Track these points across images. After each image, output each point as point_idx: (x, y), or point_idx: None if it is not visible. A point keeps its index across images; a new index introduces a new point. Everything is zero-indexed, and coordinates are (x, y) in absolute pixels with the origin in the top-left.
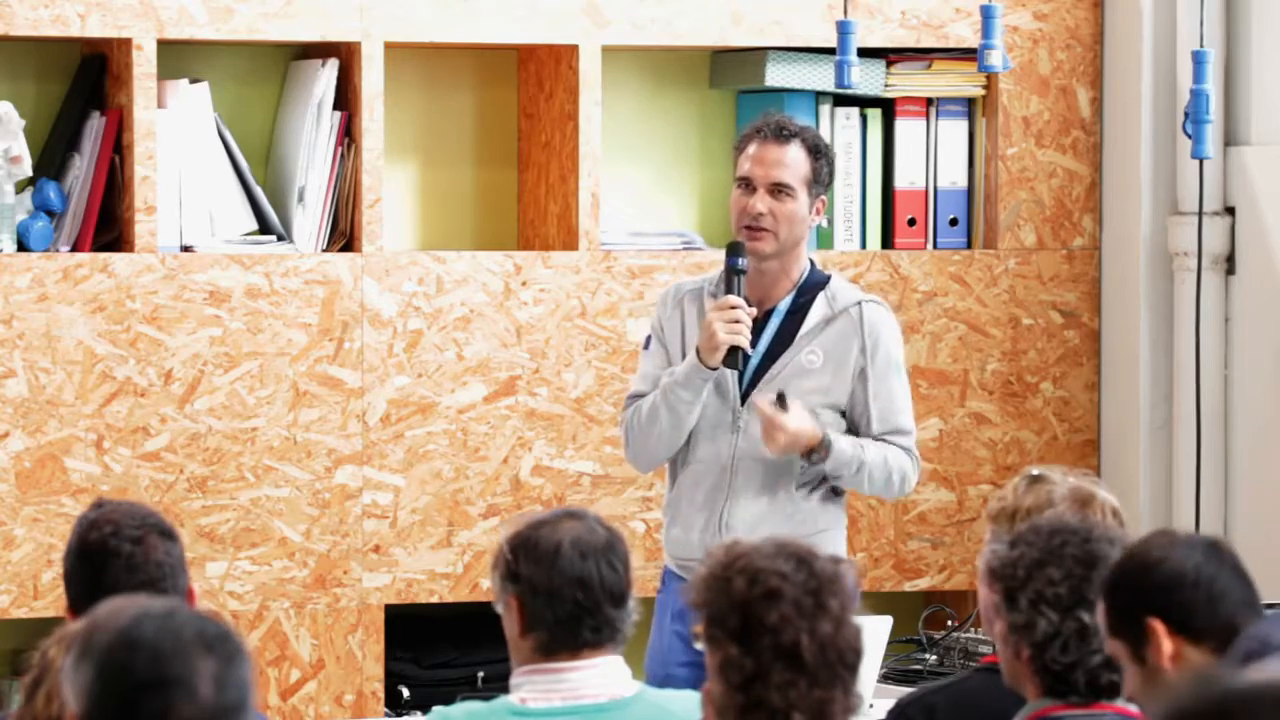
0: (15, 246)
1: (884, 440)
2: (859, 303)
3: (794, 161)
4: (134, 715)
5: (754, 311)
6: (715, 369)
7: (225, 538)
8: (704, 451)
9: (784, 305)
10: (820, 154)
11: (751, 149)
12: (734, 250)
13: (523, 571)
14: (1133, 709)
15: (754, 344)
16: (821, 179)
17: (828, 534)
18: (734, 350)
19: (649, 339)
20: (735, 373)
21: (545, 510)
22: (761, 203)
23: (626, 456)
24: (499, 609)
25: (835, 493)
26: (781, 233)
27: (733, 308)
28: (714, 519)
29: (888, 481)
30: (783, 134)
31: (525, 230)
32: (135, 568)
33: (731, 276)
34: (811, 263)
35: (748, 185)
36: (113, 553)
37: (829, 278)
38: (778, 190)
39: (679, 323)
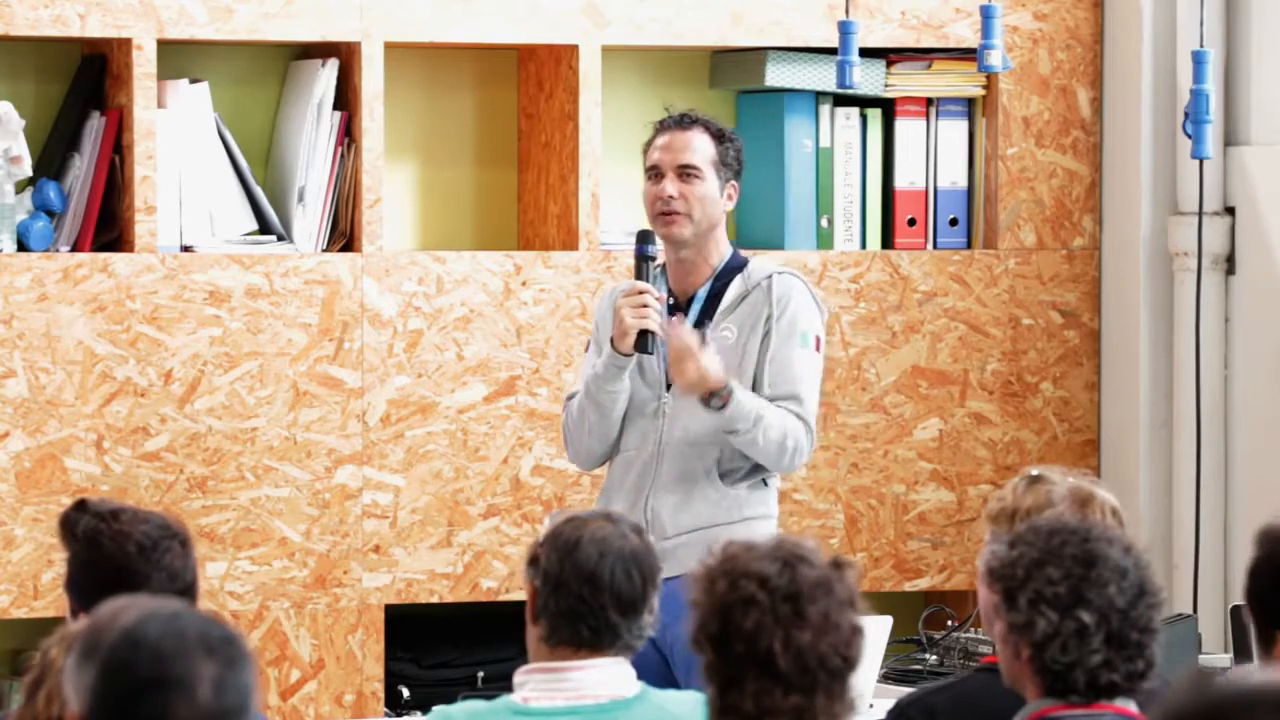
0: (15, 246)
1: (779, 405)
2: (771, 274)
3: (699, 145)
4: (133, 714)
5: (663, 296)
6: (629, 355)
7: (225, 538)
8: (631, 439)
9: (703, 291)
10: (725, 139)
11: (658, 140)
12: (643, 238)
13: (542, 559)
14: (1132, 709)
15: None
16: (729, 163)
17: (755, 523)
18: (644, 335)
19: (589, 341)
20: (660, 361)
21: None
22: (671, 186)
23: (568, 456)
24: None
25: (764, 482)
26: (695, 214)
27: (640, 293)
28: (639, 505)
29: (780, 446)
30: (685, 121)
31: (525, 230)
32: (176, 576)
33: (641, 264)
34: (736, 251)
35: (656, 173)
36: (156, 565)
37: (748, 261)
38: (685, 173)
39: (612, 321)
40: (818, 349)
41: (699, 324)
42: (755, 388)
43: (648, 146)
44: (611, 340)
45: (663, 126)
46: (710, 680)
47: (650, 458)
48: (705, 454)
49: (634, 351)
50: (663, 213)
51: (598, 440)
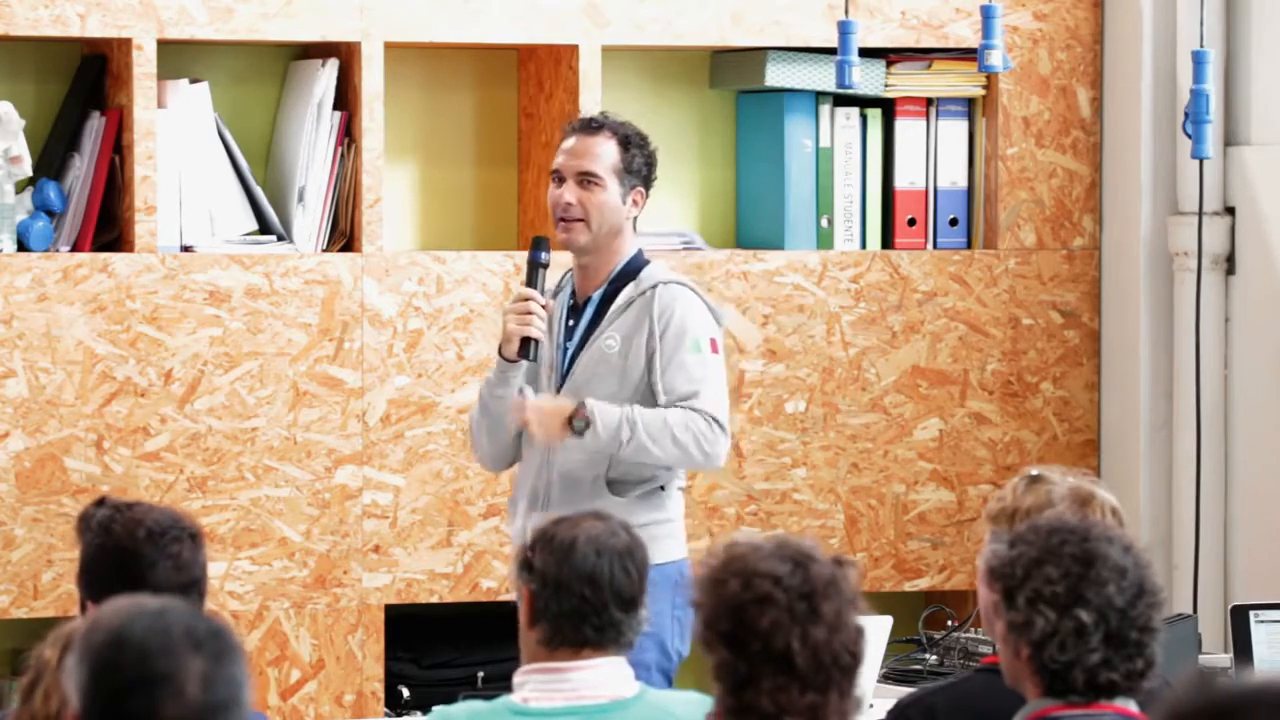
0: (15, 246)
1: (676, 405)
2: (656, 284)
3: (601, 152)
4: (121, 713)
5: (551, 304)
6: (514, 361)
7: (225, 538)
8: (528, 450)
9: (597, 295)
10: (631, 145)
11: (564, 143)
12: (537, 244)
13: (536, 563)
14: (1132, 708)
15: (571, 335)
16: (635, 170)
17: (648, 529)
18: (526, 341)
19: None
20: (551, 367)
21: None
22: (570, 193)
23: (475, 458)
24: (517, 602)
25: (660, 488)
26: (593, 222)
27: (525, 299)
28: (536, 513)
29: (678, 443)
30: (591, 126)
31: (525, 230)
32: (183, 567)
33: (533, 270)
34: (638, 254)
35: (558, 178)
36: (163, 553)
37: (645, 265)
38: (585, 180)
39: None
40: (714, 351)
41: (590, 327)
42: (650, 400)
43: (557, 149)
44: (500, 346)
45: (571, 130)
46: (720, 679)
47: (541, 464)
48: (593, 464)
49: (519, 358)
50: (561, 219)
51: (494, 443)
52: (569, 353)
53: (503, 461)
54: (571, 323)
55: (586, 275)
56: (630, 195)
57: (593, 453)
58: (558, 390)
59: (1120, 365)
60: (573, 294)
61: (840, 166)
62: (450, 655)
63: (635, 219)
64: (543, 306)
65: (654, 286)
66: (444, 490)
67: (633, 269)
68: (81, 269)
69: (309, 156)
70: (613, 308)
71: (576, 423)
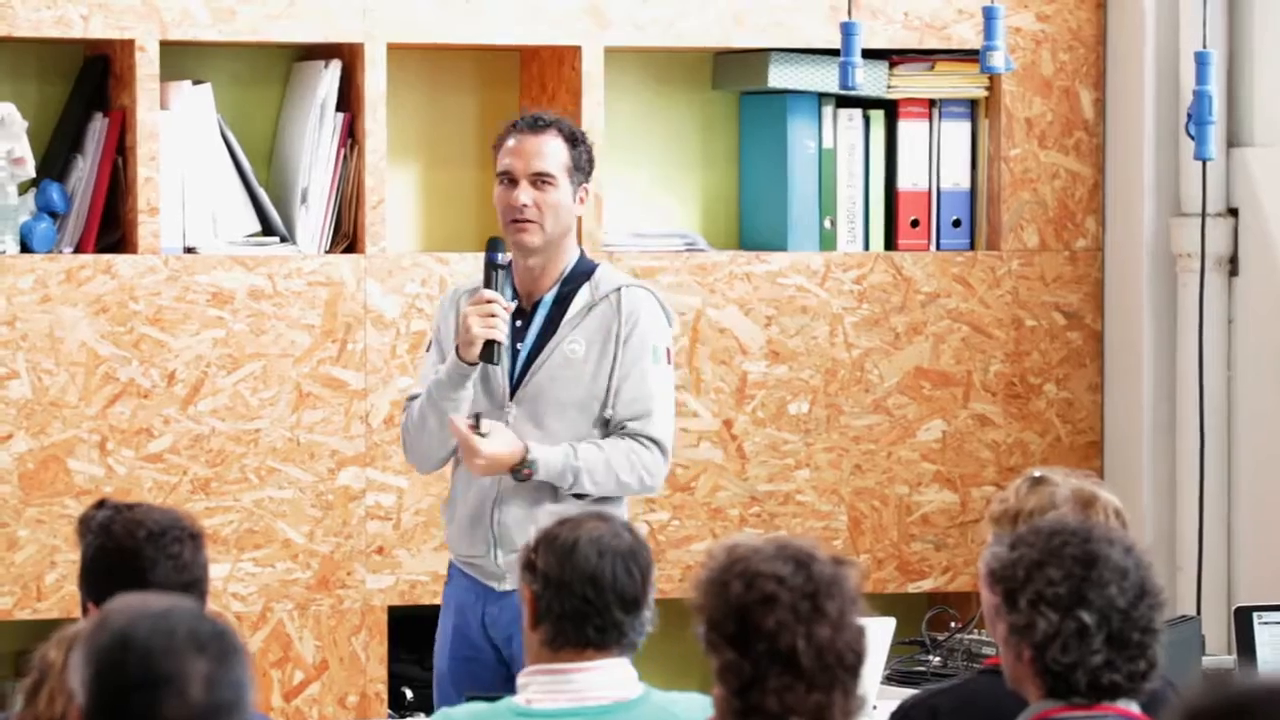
0: (18, 248)
1: (623, 428)
2: (619, 288)
3: (553, 151)
4: (125, 714)
5: (512, 306)
6: (474, 364)
7: (229, 539)
8: None
9: (549, 297)
10: (578, 142)
11: (509, 143)
12: (493, 246)
13: (539, 563)
14: (1135, 710)
15: (521, 337)
16: (582, 167)
17: None
18: (490, 344)
19: (429, 342)
20: (504, 370)
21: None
22: (525, 194)
23: (407, 459)
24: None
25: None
26: (547, 223)
27: (488, 302)
28: (485, 518)
29: (620, 484)
30: (538, 124)
31: None
32: (184, 568)
33: (490, 272)
34: (582, 253)
35: (509, 179)
36: (164, 553)
37: (596, 266)
38: (540, 180)
39: (455, 323)
40: (668, 361)
41: (545, 331)
42: (606, 405)
43: (497, 147)
44: (457, 348)
45: (514, 128)
46: (725, 682)
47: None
48: None
49: (479, 361)
50: (515, 220)
51: (438, 445)
52: (521, 356)
53: (439, 464)
54: (519, 324)
55: (532, 275)
56: (578, 192)
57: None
58: (511, 394)
59: (1123, 367)
60: (515, 295)
61: (843, 168)
62: None
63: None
64: (504, 308)
65: (617, 290)
66: (447, 492)
67: (583, 270)
68: (85, 270)
69: (312, 158)
70: (571, 312)
71: (519, 475)
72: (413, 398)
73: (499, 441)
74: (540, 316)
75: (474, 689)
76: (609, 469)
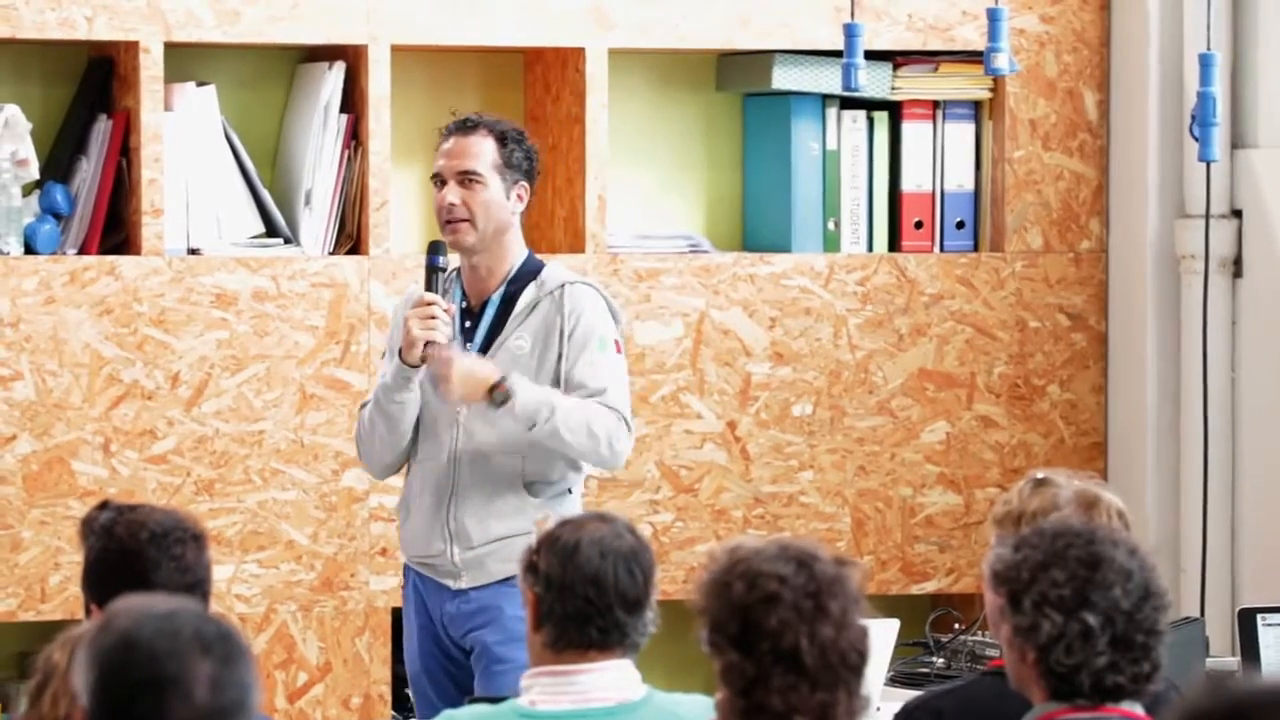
0: (22, 249)
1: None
2: (563, 284)
3: (480, 150)
4: (129, 715)
5: (454, 308)
6: (416, 367)
7: (232, 541)
8: (428, 449)
9: (496, 297)
10: (508, 140)
11: (442, 146)
12: (434, 249)
13: (541, 565)
14: (1139, 712)
15: (471, 337)
16: (515, 164)
17: None
18: (430, 345)
19: (386, 350)
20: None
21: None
22: (453, 194)
23: (362, 465)
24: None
25: (568, 490)
26: (479, 221)
27: (428, 304)
28: (441, 514)
29: (590, 434)
30: (466, 126)
31: (531, 233)
32: (187, 569)
33: (430, 275)
34: (531, 254)
35: (440, 181)
36: (166, 554)
37: (543, 265)
38: (466, 179)
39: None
40: (618, 351)
41: (493, 329)
42: None
43: (436, 153)
44: (400, 351)
45: (447, 132)
46: (729, 683)
47: (446, 467)
48: (506, 463)
49: (421, 363)
50: (447, 221)
51: (388, 450)
52: (472, 355)
53: (394, 468)
54: (468, 324)
55: (479, 276)
56: (514, 191)
57: (502, 440)
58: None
59: (1127, 368)
60: (463, 296)
61: (847, 169)
62: None
63: (521, 216)
64: (445, 310)
65: (561, 287)
66: None
67: (530, 269)
68: (88, 272)
69: (316, 159)
70: (517, 309)
71: (497, 394)
72: (364, 405)
73: (473, 360)
74: (489, 315)
75: (453, 689)
76: (583, 416)
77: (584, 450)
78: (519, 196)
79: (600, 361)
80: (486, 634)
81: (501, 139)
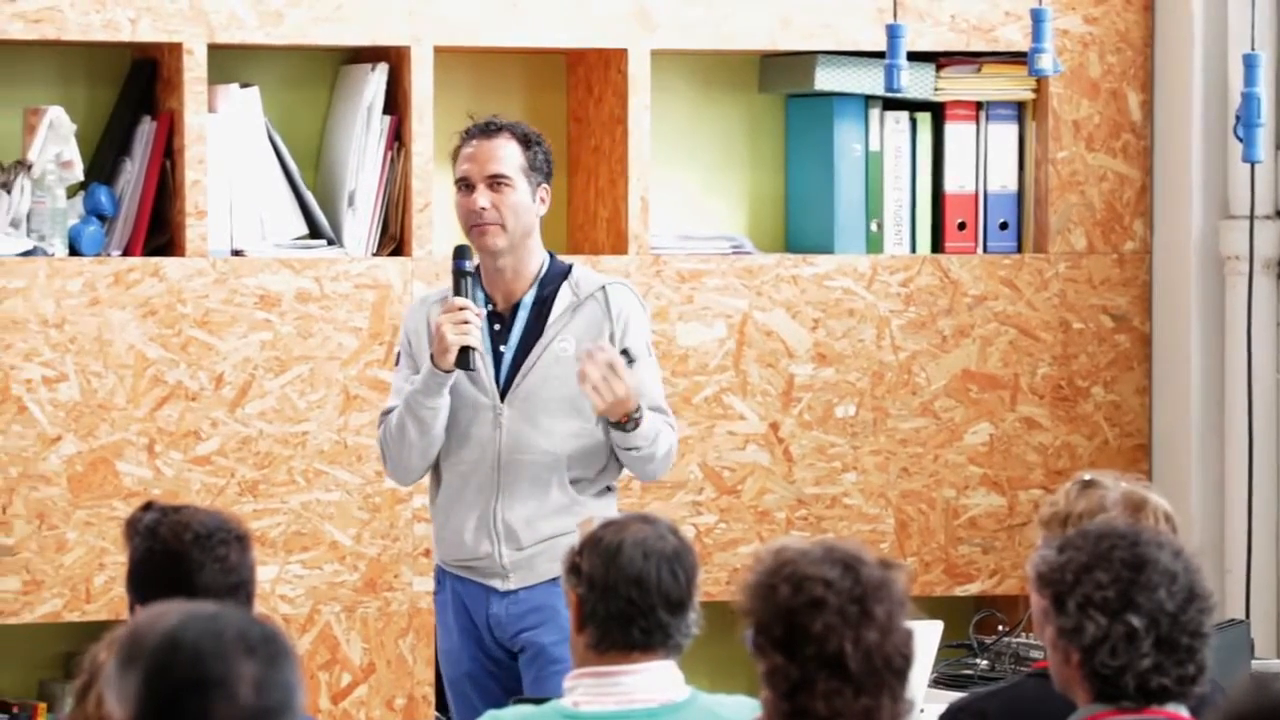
0: (67, 250)
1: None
2: (604, 286)
3: (507, 153)
4: (175, 716)
5: (483, 311)
6: (450, 372)
7: (276, 542)
8: (469, 452)
9: (529, 299)
10: (531, 143)
11: (465, 150)
12: (460, 253)
13: (584, 566)
14: (1184, 714)
15: (504, 340)
16: (538, 167)
17: None
18: (465, 351)
19: (399, 355)
20: (487, 374)
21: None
22: (483, 198)
23: (386, 471)
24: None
25: (608, 488)
26: (509, 224)
27: (460, 309)
28: (486, 517)
29: (667, 458)
30: (490, 129)
31: (574, 234)
32: (230, 570)
33: (459, 279)
34: (551, 255)
35: (467, 185)
36: (210, 555)
37: (570, 267)
38: (496, 182)
39: (426, 334)
40: (649, 354)
41: (529, 332)
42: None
43: (455, 156)
44: (432, 356)
45: (469, 135)
46: (773, 686)
47: (490, 469)
48: (554, 463)
49: (455, 368)
50: (476, 224)
51: (419, 457)
52: (507, 358)
53: (420, 474)
54: (497, 327)
55: (505, 279)
56: (538, 193)
57: (548, 441)
58: (502, 397)
59: (1171, 369)
60: (487, 299)
61: (890, 170)
62: None
63: (542, 217)
64: (476, 314)
65: (602, 289)
66: None
67: (558, 271)
68: (133, 273)
69: (359, 161)
70: (556, 311)
71: (629, 423)
72: (387, 411)
73: (627, 378)
74: (522, 319)
75: (498, 691)
76: (669, 441)
77: (655, 469)
78: (542, 199)
79: (648, 372)
80: (541, 634)
81: (525, 142)
